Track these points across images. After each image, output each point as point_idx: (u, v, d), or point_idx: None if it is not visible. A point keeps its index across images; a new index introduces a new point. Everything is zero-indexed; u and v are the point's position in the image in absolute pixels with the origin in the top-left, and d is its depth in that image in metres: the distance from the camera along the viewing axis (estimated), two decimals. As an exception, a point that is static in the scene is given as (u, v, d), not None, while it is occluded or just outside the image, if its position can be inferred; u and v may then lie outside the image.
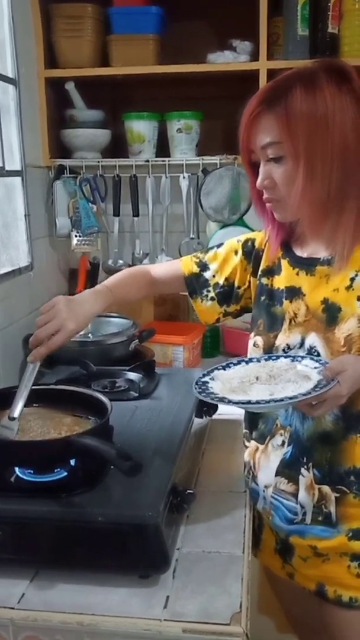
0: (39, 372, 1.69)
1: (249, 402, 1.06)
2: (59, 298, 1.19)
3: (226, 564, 1.00)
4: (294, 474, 1.18)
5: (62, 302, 1.17)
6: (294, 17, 1.99)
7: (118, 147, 2.28)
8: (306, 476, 1.17)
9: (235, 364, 1.20)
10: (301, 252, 1.22)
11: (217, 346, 2.31)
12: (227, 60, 2.06)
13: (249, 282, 1.32)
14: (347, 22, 1.99)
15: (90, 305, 1.21)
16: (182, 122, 2.16)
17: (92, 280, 2.35)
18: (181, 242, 2.25)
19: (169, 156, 2.22)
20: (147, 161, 2.20)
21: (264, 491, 1.24)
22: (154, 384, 1.47)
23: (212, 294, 1.34)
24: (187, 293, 1.38)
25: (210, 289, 1.34)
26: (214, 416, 1.51)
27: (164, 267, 1.44)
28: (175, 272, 1.38)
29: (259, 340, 1.25)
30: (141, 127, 2.19)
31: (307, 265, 1.19)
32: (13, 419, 1.09)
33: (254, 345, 1.26)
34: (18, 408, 1.10)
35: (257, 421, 1.27)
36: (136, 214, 2.26)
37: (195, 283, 1.36)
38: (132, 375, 1.49)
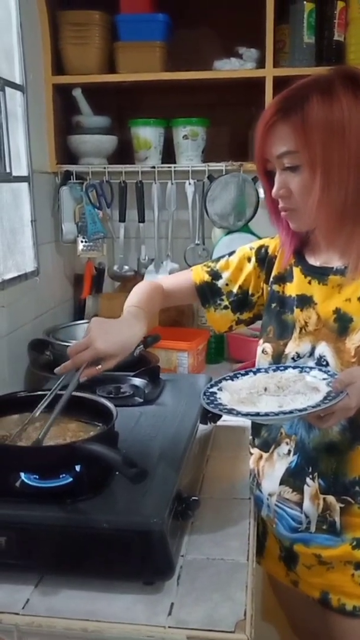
0: (43, 377, 1.71)
1: (257, 414, 1.05)
2: (94, 318, 1.16)
3: (230, 571, 1.00)
4: (299, 484, 1.18)
5: (95, 321, 1.14)
6: (300, 24, 1.99)
7: (124, 153, 2.29)
8: (311, 486, 1.17)
9: (243, 374, 1.19)
10: (314, 261, 1.22)
11: (222, 352, 2.31)
12: (233, 67, 2.07)
13: (262, 289, 1.32)
14: (353, 29, 2.00)
15: (126, 327, 1.16)
16: (188, 129, 2.17)
17: (97, 285, 2.37)
18: (186, 248, 2.26)
19: (174, 162, 2.22)
20: (153, 167, 2.21)
21: (268, 499, 1.24)
22: (158, 389, 1.47)
23: (225, 303, 1.34)
24: (198, 303, 1.38)
25: (224, 297, 1.34)
26: (219, 423, 1.51)
27: (174, 279, 1.42)
28: (186, 282, 1.37)
29: (268, 347, 1.24)
30: (147, 134, 2.20)
31: (320, 274, 1.19)
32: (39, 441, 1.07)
33: (263, 352, 1.25)
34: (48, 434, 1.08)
35: (260, 429, 1.27)
36: (142, 219, 2.27)
37: (207, 292, 1.35)
38: (137, 381, 1.49)
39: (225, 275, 1.34)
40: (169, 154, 2.24)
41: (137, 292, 1.30)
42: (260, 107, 2.03)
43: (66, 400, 1.10)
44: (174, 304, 1.47)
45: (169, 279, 1.44)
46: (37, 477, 1.05)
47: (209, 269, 1.36)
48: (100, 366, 1.11)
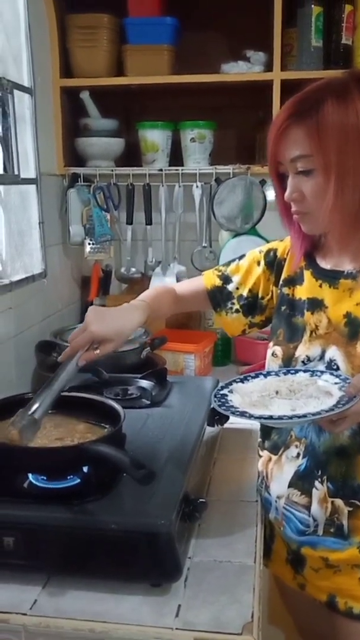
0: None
1: (270, 418, 1.04)
2: (91, 306, 1.21)
3: (238, 574, 1.00)
4: (308, 487, 1.18)
5: (91, 308, 1.20)
6: (307, 28, 2.00)
7: (132, 156, 2.30)
8: (320, 489, 1.16)
9: (253, 377, 1.18)
10: (325, 264, 1.22)
11: (229, 355, 2.31)
12: (240, 70, 2.07)
13: (272, 292, 1.32)
14: (361, 33, 2.00)
15: (123, 313, 1.21)
16: (195, 132, 2.17)
17: (104, 287, 2.37)
18: (194, 250, 2.26)
19: (182, 165, 2.23)
20: (161, 170, 2.21)
21: (276, 502, 1.23)
22: (165, 392, 1.47)
23: (236, 306, 1.35)
24: (210, 309, 1.39)
25: (235, 301, 1.35)
26: (226, 425, 1.51)
27: (187, 284, 1.44)
28: (198, 287, 1.38)
29: (278, 350, 1.24)
30: (155, 137, 2.20)
31: (331, 277, 1.18)
32: (36, 420, 1.07)
33: (273, 355, 1.25)
34: (38, 408, 1.08)
35: (270, 432, 1.27)
36: (149, 222, 2.27)
37: (218, 296, 1.36)
38: (144, 383, 1.49)
39: (236, 279, 1.35)
40: (176, 156, 2.25)
41: (147, 291, 1.33)
42: (267, 110, 2.04)
43: (65, 380, 1.12)
44: (187, 309, 1.49)
45: (182, 284, 1.46)
46: (45, 478, 1.05)
47: (219, 273, 1.37)
48: (98, 350, 1.15)
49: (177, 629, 0.88)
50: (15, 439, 1.05)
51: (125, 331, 1.18)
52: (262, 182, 2.13)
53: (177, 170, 2.21)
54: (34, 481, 1.06)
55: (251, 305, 1.34)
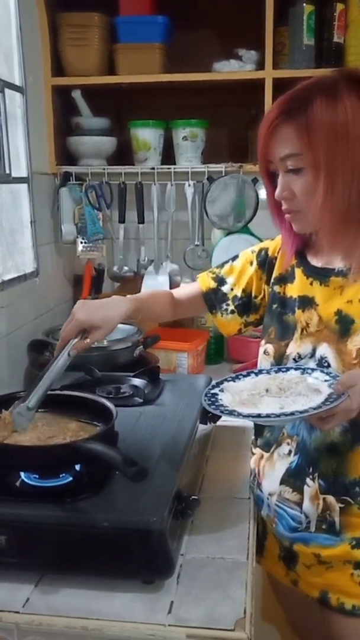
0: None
1: (259, 416, 1.05)
2: (78, 301, 1.25)
3: (230, 570, 1.00)
4: (299, 484, 1.18)
5: (78, 302, 1.23)
6: (299, 26, 2.00)
7: (124, 154, 2.30)
8: (311, 486, 1.17)
9: (244, 376, 1.19)
10: (315, 262, 1.22)
11: (222, 353, 2.31)
12: (232, 69, 2.07)
13: (264, 290, 1.32)
14: (353, 31, 2.00)
15: (109, 302, 1.23)
16: (187, 130, 2.18)
17: (97, 286, 2.37)
18: (186, 249, 2.26)
19: (174, 164, 2.23)
20: (153, 169, 2.21)
21: (268, 499, 1.24)
22: (158, 390, 1.47)
23: (231, 307, 1.35)
24: (206, 312, 1.40)
25: (229, 302, 1.35)
26: (218, 423, 1.51)
27: (184, 289, 1.46)
28: (193, 291, 1.40)
29: (270, 348, 1.25)
30: (147, 135, 2.20)
31: (322, 275, 1.19)
32: (30, 408, 1.10)
33: (265, 352, 1.26)
34: (35, 399, 1.11)
35: (263, 430, 1.28)
36: (141, 221, 2.27)
37: (213, 298, 1.37)
38: (137, 381, 1.49)
39: (230, 280, 1.36)
40: (168, 155, 2.25)
41: (141, 293, 1.35)
42: (259, 108, 2.04)
43: (57, 371, 1.14)
44: (186, 314, 1.51)
45: (179, 289, 1.47)
46: (37, 476, 1.06)
47: (214, 275, 1.38)
48: (87, 340, 1.17)
49: (169, 625, 0.89)
50: (9, 420, 1.09)
51: (112, 318, 1.20)
52: (255, 181, 2.14)
53: (169, 168, 2.21)
54: (26, 480, 1.06)
55: (245, 305, 1.35)
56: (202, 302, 1.38)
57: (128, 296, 1.29)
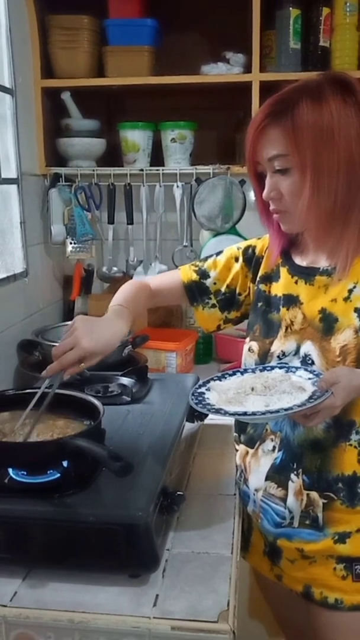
0: (32, 377, 1.72)
1: (244, 414, 1.07)
2: (78, 317, 1.17)
3: (215, 564, 1.02)
4: (284, 479, 1.20)
5: (79, 320, 1.15)
6: (286, 30, 2.03)
7: (113, 156, 2.31)
8: (295, 482, 1.19)
9: (230, 375, 1.21)
10: (300, 261, 1.24)
11: (210, 352, 2.33)
12: (220, 72, 2.10)
13: (249, 288, 1.34)
14: (338, 35, 2.03)
15: (110, 325, 1.18)
16: (176, 132, 2.20)
17: (86, 286, 2.38)
18: (175, 249, 2.28)
19: (163, 165, 2.25)
20: (142, 170, 2.23)
21: (254, 494, 1.26)
22: (146, 389, 1.49)
23: (213, 301, 1.36)
24: (186, 303, 1.40)
25: (212, 296, 1.36)
26: (205, 421, 1.53)
27: (162, 278, 1.44)
28: (174, 281, 1.39)
29: (254, 345, 1.27)
30: (136, 137, 2.22)
31: (307, 274, 1.21)
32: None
33: (249, 350, 1.28)
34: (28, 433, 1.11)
35: (246, 426, 1.29)
36: (130, 221, 2.29)
37: (195, 291, 1.37)
38: (125, 380, 1.51)
39: (213, 274, 1.36)
40: (157, 156, 2.27)
41: (123, 291, 1.32)
42: (247, 111, 2.06)
43: (50, 399, 1.12)
44: (162, 303, 1.49)
45: (156, 278, 1.46)
46: (25, 473, 1.07)
47: (196, 268, 1.38)
48: (83, 364, 1.13)
49: (154, 617, 0.90)
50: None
51: (113, 344, 1.15)
52: (242, 182, 2.16)
53: (157, 170, 2.23)
54: (14, 476, 1.07)
55: (228, 301, 1.36)
56: (183, 293, 1.38)
57: (120, 310, 1.24)
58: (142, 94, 2.21)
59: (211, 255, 1.40)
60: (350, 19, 2.01)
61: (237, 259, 1.35)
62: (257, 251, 1.34)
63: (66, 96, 2.20)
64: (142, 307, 1.36)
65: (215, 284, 1.36)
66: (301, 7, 2.03)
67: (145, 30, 2.12)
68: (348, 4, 2.00)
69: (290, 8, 2.01)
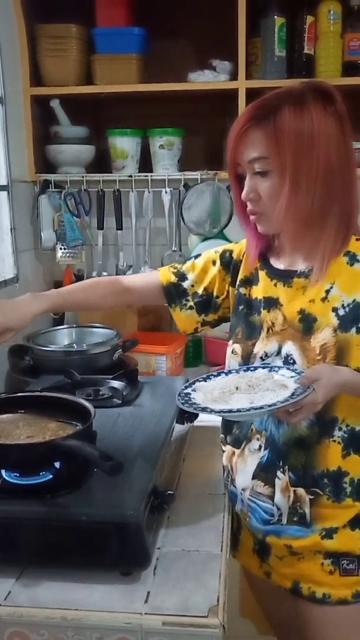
0: (23, 381, 1.74)
1: (230, 411, 1.09)
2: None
3: (205, 561, 1.05)
4: (270, 477, 1.23)
5: None
6: (271, 38, 2.07)
7: (102, 162, 2.34)
8: (282, 479, 1.21)
9: (215, 376, 1.23)
10: (278, 264, 1.27)
11: (200, 356, 2.36)
12: (207, 79, 2.13)
13: (228, 292, 1.36)
14: (322, 43, 2.07)
15: (24, 304, 1.25)
16: (164, 139, 2.23)
17: (76, 292, 2.40)
18: (164, 254, 2.31)
19: (151, 171, 2.28)
20: (130, 176, 2.26)
21: (241, 494, 1.28)
22: (136, 391, 1.51)
23: (190, 303, 1.39)
24: (164, 303, 1.42)
25: (189, 298, 1.39)
26: (195, 423, 1.56)
27: (140, 277, 1.49)
28: (152, 281, 1.42)
29: (237, 347, 1.29)
30: (124, 143, 2.25)
31: (285, 277, 1.24)
32: None
33: (233, 352, 1.30)
34: None
35: (231, 426, 1.32)
36: (120, 227, 2.32)
37: (173, 292, 1.40)
38: (116, 384, 1.52)
39: (191, 276, 1.39)
40: (145, 163, 2.30)
41: (77, 283, 1.38)
42: (233, 117, 2.06)
43: None
44: (137, 301, 1.54)
45: (135, 276, 1.51)
46: (18, 474, 1.09)
47: (175, 270, 1.41)
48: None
49: (146, 613, 0.93)
50: None
51: (26, 320, 1.23)
52: (229, 188, 2.18)
53: (146, 176, 2.26)
54: (7, 478, 1.09)
55: (205, 304, 1.38)
56: (162, 294, 1.41)
57: (51, 291, 1.33)
58: (130, 101, 2.23)
59: (190, 258, 1.43)
60: (334, 27, 2.05)
61: (214, 262, 1.38)
62: (234, 255, 1.36)
63: (55, 104, 2.22)
64: (99, 299, 1.39)
65: (192, 286, 1.39)
66: (286, 16, 2.07)
67: (133, 38, 2.15)
68: (332, 12, 2.04)
69: (275, 16, 2.05)
